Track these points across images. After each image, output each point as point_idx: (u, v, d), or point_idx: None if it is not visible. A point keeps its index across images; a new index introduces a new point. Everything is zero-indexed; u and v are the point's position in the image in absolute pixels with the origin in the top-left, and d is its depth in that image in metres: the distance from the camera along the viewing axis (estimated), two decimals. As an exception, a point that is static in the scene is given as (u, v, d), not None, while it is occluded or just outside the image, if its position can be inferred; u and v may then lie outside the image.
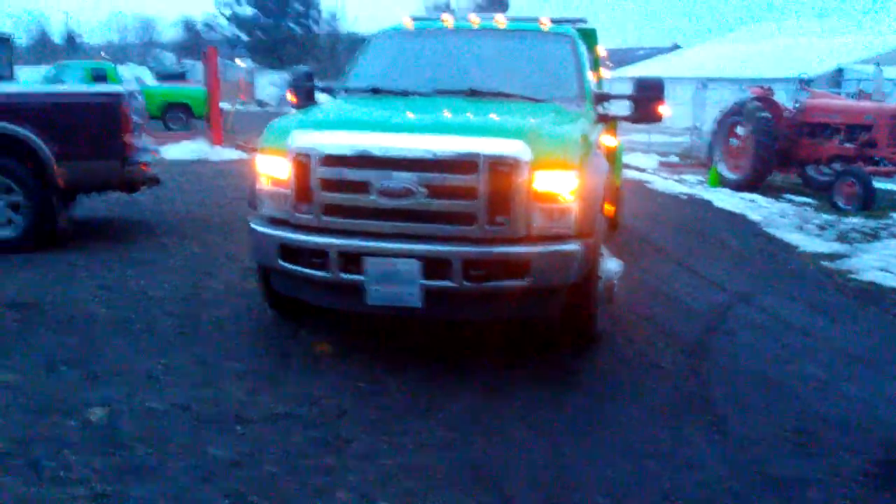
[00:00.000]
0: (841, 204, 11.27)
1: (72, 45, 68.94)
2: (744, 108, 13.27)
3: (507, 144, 4.00)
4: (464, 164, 3.96)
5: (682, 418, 3.87)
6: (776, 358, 4.80)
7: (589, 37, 6.72)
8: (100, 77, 21.96)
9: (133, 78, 24.36)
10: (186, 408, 3.77)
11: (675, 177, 14.67)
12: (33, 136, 6.60)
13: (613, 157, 6.91)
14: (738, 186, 12.96)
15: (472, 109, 4.75)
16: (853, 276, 7.03)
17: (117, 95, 6.93)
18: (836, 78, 24.33)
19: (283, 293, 4.68)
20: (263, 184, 4.41)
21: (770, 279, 6.88)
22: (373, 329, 4.99)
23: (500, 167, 3.95)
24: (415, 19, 6.19)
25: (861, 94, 15.05)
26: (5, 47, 15.60)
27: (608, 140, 6.52)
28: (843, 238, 8.95)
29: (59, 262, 6.48)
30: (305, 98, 5.71)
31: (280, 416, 3.71)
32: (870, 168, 11.83)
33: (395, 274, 4.00)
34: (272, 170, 4.34)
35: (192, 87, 23.32)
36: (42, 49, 73.71)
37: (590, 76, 5.59)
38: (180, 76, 38.72)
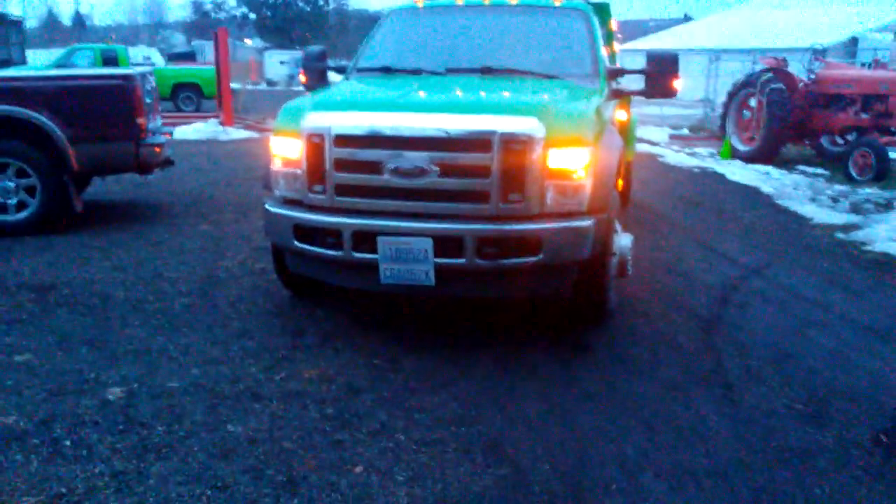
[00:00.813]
0: (855, 175, 11.19)
1: (81, 27, 68.87)
2: (757, 80, 13.14)
3: (520, 122, 3.99)
4: (477, 142, 3.96)
5: (695, 391, 3.89)
6: (789, 330, 4.80)
7: (602, 11, 6.67)
8: (110, 60, 22.01)
9: (141, 59, 24.40)
10: (203, 386, 3.82)
11: (687, 150, 14.59)
12: (47, 120, 6.65)
13: (626, 131, 6.88)
14: (750, 159, 12.87)
15: (484, 87, 4.74)
16: (866, 247, 6.99)
17: (130, 78, 6.95)
18: (851, 47, 24.04)
19: (297, 273, 4.72)
20: (278, 165, 4.43)
21: (783, 251, 6.86)
22: (387, 307, 5.03)
23: (514, 145, 3.95)
24: None
25: (877, 64, 14.88)
26: (17, 31, 15.68)
27: (622, 115, 6.49)
28: (856, 209, 8.90)
29: (74, 244, 6.55)
30: (318, 78, 5.71)
31: (296, 393, 3.76)
32: (885, 139, 11.72)
33: (408, 253, 4.02)
34: (286, 151, 4.36)
35: (202, 68, 23.32)
36: (51, 32, 73.79)
37: (603, 51, 5.55)
38: (190, 56, 38.72)
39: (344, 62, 6.02)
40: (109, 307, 4.98)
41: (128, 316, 4.83)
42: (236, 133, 15.69)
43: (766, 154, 12.85)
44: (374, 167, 4.07)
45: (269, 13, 63.70)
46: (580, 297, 4.59)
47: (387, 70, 5.29)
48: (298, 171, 4.29)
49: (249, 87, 28.83)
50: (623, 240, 4.79)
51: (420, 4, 6.02)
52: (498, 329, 4.71)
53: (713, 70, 19.21)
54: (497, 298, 4.91)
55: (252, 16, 65.90)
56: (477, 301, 5.00)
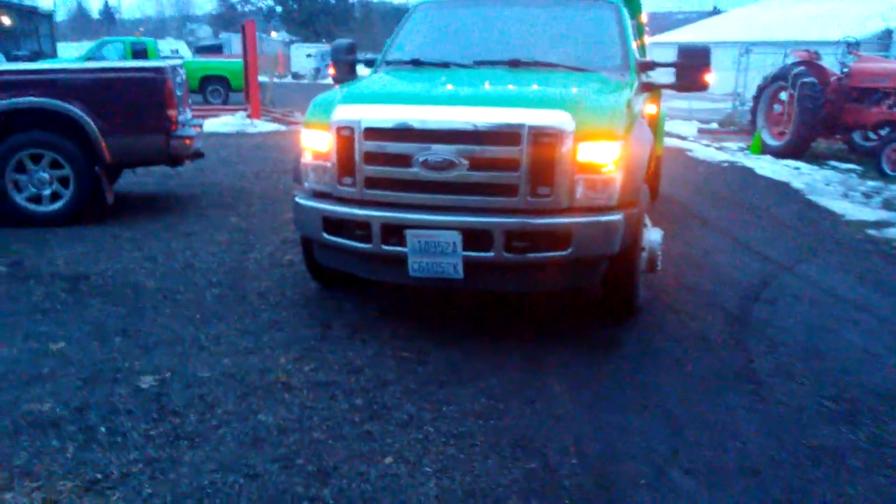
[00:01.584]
0: (888, 170, 11.01)
1: (110, 20, 69.61)
2: (788, 73, 12.96)
3: (550, 115, 3.98)
4: (506, 135, 3.96)
5: (725, 387, 3.86)
6: (820, 327, 4.75)
7: (632, 3, 6.61)
8: (139, 52, 22.23)
9: (170, 52, 24.61)
10: (234, 376, 3.86)
11: (716, 144, 14.44)
12: (80, 112, 6.74)
13: (656, 125, 6.83)
14: (781, 154, 12.71)
15: (513, 80, 4.73)
16: (900, 244, 6.89)
17: (161, 70, 7.02)
18: (885, 40, 23.62)
19: (326, 265, 4.75)
20: (307, 158, 4.46)
21: (814, 248, 6.78)
22: (415, 300, 5.05)
23: (544, 138, 3.94)
24: None
25: (911, 57, 14.62)
26: (47, 24, 15.87)
27: (651, 108, 6.44)
28: (889, 205, 8.76)
29: (106, 235, 6.64)
30: (347, 71, 5.73)
31: (325, 384, 3.79)
32: (919, 134, 11.52)
33: (436, 246, 4.03)
34: (316, 144, 4.38)
35: (230, 60, 23.47)
36: (80, 25, 74.67)
37: (633, 44, 5.51)
38: (217, 49, 38.98)
39: (371, 55, 6.03)
40: (141, 297, 5.05)
41: (159, 306, 4.89)
42: (264, 126, 15.78)
43: (796, 149, 12.69)
44: (404, 160, 4.08)
45: (294, 6, 63.93)
46: (609, 292, 4.57)
47: (415, 63, 5.29)
48: (328, 164, 4.31)
49: (276, 80, 28.95)
50: (653, 235, 4.77)
51: None
52: (526, 323, 4.71)
53: (743, 63, 18.96)
54: (525, 292, 4.90)
55: (278, 9, 66.18)
56: (505, 295, 5.00)
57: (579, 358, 4.17)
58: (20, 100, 6.71)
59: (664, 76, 5.60)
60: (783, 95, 13.22)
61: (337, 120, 4.23)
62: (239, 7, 70.18)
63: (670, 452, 3.23)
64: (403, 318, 4.72)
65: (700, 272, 5.83)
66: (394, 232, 4.12)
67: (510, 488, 2.94)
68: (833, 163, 12.33)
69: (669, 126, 14.66)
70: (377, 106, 4.28)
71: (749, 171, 11.20)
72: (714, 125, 18.09)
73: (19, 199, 6.88)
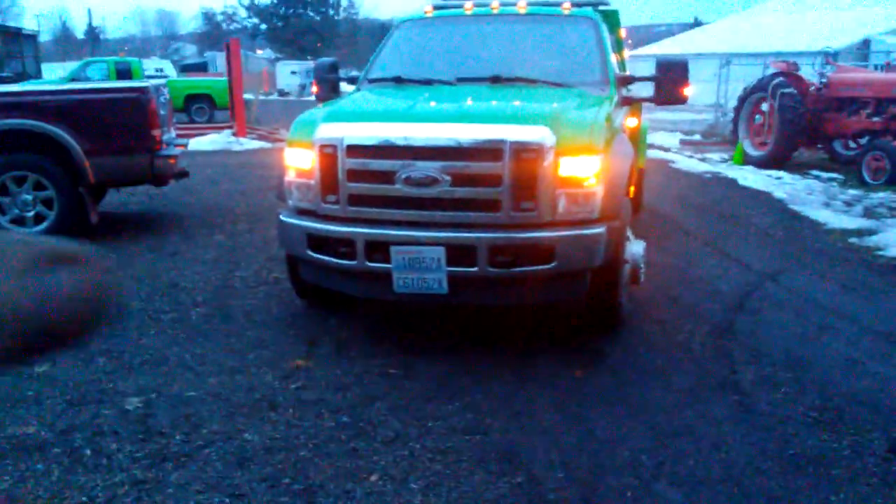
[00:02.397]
0: (868, 179, 11.13)
1: (94, 40, 69.54)
2: (768, 84, 13.10)
3: (531, 131, 4.02)
4: (488, 151, 3.99)
5: (710, 398, 3.89)
6: (803, 337, 4.79)
7: (611, 18, 6.69)
8: (124, 72, 22.22)
9: (154, 71, 24.60)
10: (220, 395, 3.86)
11: (699, 155, 14.55)
12: (64, 134, 6.74)
13: (637, 138, 6.89)
14: (763, 164, 12.83)
15: (495, 96, 4.77)
16: (881, 252, 6.96)
17: (144, 91, 7.03)
18: (863, 50, 23.93)
19: (312, 282, 4.75)
20: (291, 176, 4.47)
21: (797, 257, 6.84)
22: (400, 316, 5.06)
23: (525, 153, 3.97)
24: (436, 7, 6.20)
25: (889, 67, 14.80)
26: (32, 44, 15.83)
27: (632, 122, 6.51)
28: (870, 213, 8.86)
29: (91, 256, 6.60)
30: (330, 89, 5.77)
31: (311, 402, 3.79)
32: (898, 142, 11.65)
33: (420, 262, 4.05)
34: (299, 162, 4.40)
35: (214, 79, 23.50)
36: (65, 45, 74.49)
37: (613, 59, 5.58)
38: (202, 68, 38.97)
39: (354, 72, 6.07)
40: (126, 318, 5.03)
41: (144, 326, 4.88)
42: (249, 143, 15.78)
43: (778, 159, 12.81)
44: (387, 177, 4.10)
45: (279, 23, 64.05)
46: (593, 304, 4.60)
47: (398, 80, 5.33)
48: (311, 182, 4.33)
49: (261, 97, 28.96)
50: (635, 247, 4.80)
51: (430, 14, 6.07)
52: (511, 337, 4.72)
53: (724, 75, 19.14)
54: (510, 307, 4.93)
55: (263, 26, 66.27)
56: (490, 309, 5.02)
57: (564, 371, 4.19)
58: (3, 122, 6.69)
59: (645, 89, 5.66)
60: (764, 106, 13.36)
61: (320, 138, 4.26)
62: (224, 25, 70.24)
63: (655, 464, 3.25)
64: (389, 335, 4.72)
65: (683, 283, 5.87)
66: (378, 248, 4.13)
67: (497, 503, 2.95)
68: (815, 172, 12.46)
69: (652, 138, 14.76)
70: (360, 124, 4.31)
71: (732, 182, 11.29)
72: (697, 136, 18.23)
73: (2, 221, 6.86)
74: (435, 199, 4.06)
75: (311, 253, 4.38)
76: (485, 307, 4.91)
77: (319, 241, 4.33)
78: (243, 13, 66.86)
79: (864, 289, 5.88)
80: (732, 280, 6.02)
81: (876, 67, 15.69)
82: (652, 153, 12.63)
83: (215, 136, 16.00)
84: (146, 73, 24.08)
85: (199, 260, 6.51)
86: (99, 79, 21.32)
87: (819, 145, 13.46)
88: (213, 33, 70.19)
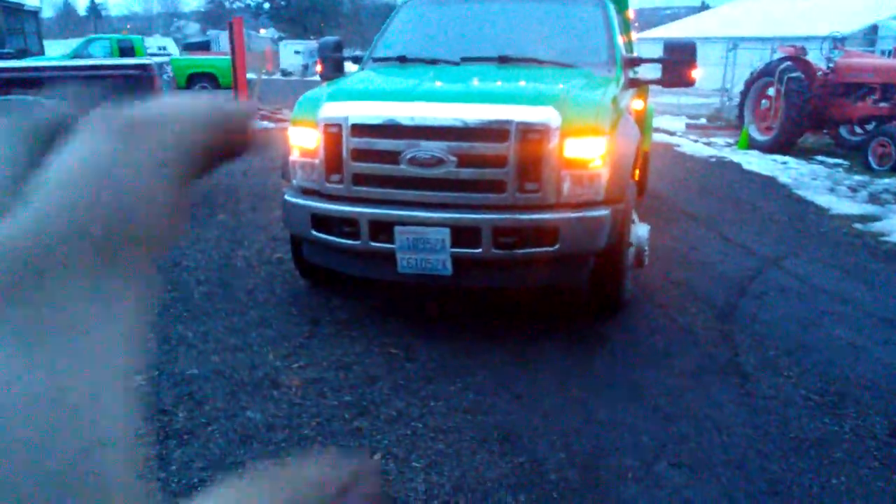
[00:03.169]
0: (874, 164, 11.08)
1: (97, 17, 69.22)
2: (775, 69, 13.02)
3: (537, 112, 4.00)
4: (494, 131, 3.97)
5: (712, 381, 3.89)
6: (806, 321, 4.79)
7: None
8: (126, 50, 22.14)
9: (157, 49, 24.50)
10: (223, 373, 3.87)
11: (705, 139, 14.50)
12: (66, 110, 6.71)
13: (643, 121, 6.86)
14: (768, 148, 12.78)
15: (501, 77, 4.74)
16: (885, 237, 6.95)
17: (147, 68, 7.01)
18: (871, 35, 23.77)
19: (315, 262, 4.75)
20: (295, 155, 4.46)
21: (801, 242, 6.83)
22: (403, 297, 5.06)
23: (531, 134, 3.95)
24: None
25: (896, 52, 14.72)
26: (34, 21, 15.76)
27: (638, 104, 6.47)
28: (875, 199, 8.83)
29: (94, 234, 6.61)
30: (334, 68, 5.73)
31: (313, 380, 3.80)
32: (904, 128, 11.60)
33: (424, 242, 4.04)
34: (303, 141, 4.38)
35: (217, 58, 23.38)
36: (67, 22, 74.20)
37: (620, 40, 5.53)
38: (205, 46, 38.82)
39: (359, 52, 6.03)
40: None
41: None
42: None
43: (784, 144, 12.75)
44: (391, 157, 4.09)
45: (283, 2, 63.73)
46: (596, 287, 4.60)
47: (403, 59, 5.30)
48: (316, 161, 4.31)
49: (264, 77, 28.89)
50: (640, 230, 4.79)
51: None
52: (514, 318, 4.73)
53: (731, 59, 19.03)
54: (513, 288, 4.92)
55: (266, 5, 65.95)
56: (493, 290, 5.02)
57: (567, 353, 4.19)
58: (4, 98, 6.67)
59: (652, 72, 5.62)
60: (770, 91, 13.28)
61: (324, 117, 4.23)
62: (227, 4, 69.90)
63: (657, 446, 3.26)
64: (392, 315, 4.73)
65: (687, 267, 5.87)
66: (382, 229, 4.13)
67: (498, 483, 2.96)
68: (820, 157, 12.41)
69: (658, 121, 14.71)
70: (364, 103, 4.28)
71: (736, 166, 11.26)
72: (702, 120, 18.15)
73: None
74: (440, 179, 4.04)
75: (314, 233, 4.37)
76: (488, 289, 4.91)
77: (323, 221, 4.32)
78: (247, -9, 66.54)
79: (868, 274, 5.87)
80: (736, 264, 6.01)
81: (884, 53, 15.60)
82: (657, 137, 12.59)
83: (218, 115, 15.94)
84: (149, 51, 23.97)
85: (201, 239, 6.51)
86: (102, 56, 21.23)
87: (825, 130, 13.40)
88: (217, 12, 69.85)
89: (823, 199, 8.76)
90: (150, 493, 0.22)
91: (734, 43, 19.27)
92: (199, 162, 0.25)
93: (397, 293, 5.09)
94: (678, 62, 5.15)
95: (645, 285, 5.25)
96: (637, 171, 5.07)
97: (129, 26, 61.22)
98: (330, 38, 5.96)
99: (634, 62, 5.54)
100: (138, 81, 6.94)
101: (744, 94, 14.13)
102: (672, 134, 15.14)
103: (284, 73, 44.67)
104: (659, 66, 5.28)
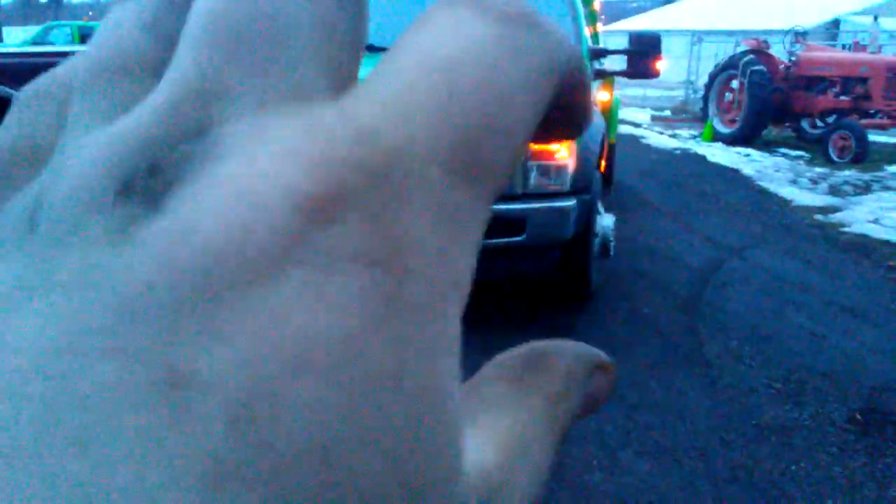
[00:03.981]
0: (834, 157, 11.27)
1: (57, 4, 67.83)
2: (738, 62, 13.18)
3: None
4: None
5: (675, 370, 3.94)
6: (768, 311, 4.86)
7: None
8: (88, 37, 21.69)
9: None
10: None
11: (670, 132, 14.64)
12: (24, 98, 6.55)
13: (609, 113, 6.90)
14: (732, 141, 12.93)
15: None
16: (845, 228, 7.08)
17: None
18: (833, 30, 24.17)
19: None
20: None
21: (764, 233, 6.93)
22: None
23: None
24: None
25: (857, 46, 14.98)
26: (-9, 7, 15.37)
27: (604, 96, 6.50)
28: (835, 191, 8.99)
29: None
30: None
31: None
32: (865, 121, 11.81)
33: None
34: None
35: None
36: (27, 8, 72.66)
37: (586, 31, 5.55)
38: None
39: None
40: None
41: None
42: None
43: (747, 136, 12.92)
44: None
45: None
46: (563, 277, 4.62)
47: (370, 48, 5.25)
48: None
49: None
50: (605, 220, 4.82)
51: None
52: (477, 309, 4.72)
53: (696, 52, 19.24)
54: (478, 280, 4.91)
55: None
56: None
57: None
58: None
59: (617, 64, 5.65)
60: (734, 84, 13.44)
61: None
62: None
63: (622, 434, 3.29)
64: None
65: (652, 258, 5.92)
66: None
67: (464, 473, 2.96)
68: (783, 150, 12.60)
69: (623, 113, 14.81)
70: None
71: (701, 158, 11.38)
72: (667, 112, 18.33)
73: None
74: (405, 170, 4.02)
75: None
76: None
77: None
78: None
79: (828, 264, 5.98)
80: (700, 255, 6.08)
81: (844, 47, 15.86)
82: (623, 129, 12.68)
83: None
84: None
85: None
86: (62, 44, 20.79)
87: (787, 123, 13.60)
88: None
89: (786, 191, 8.89)
90: None
91: (699, 36, 19.47)
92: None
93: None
94: (643, 54, 5.18)
95: (610, 276, 5.29)
96: (603, 163, 5.10)
97: (90, 13, 60.02)
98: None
99: (600, 53, 5.56)
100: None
101: (708, 86, 14.28)
102: (638, 126, 15.26)
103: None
104: (624, 57, 5.31)
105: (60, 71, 0.20)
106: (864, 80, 12.13)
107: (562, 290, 4.75)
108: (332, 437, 0.12)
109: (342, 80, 0.16)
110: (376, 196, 0.14)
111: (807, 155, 12.04)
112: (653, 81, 5.96)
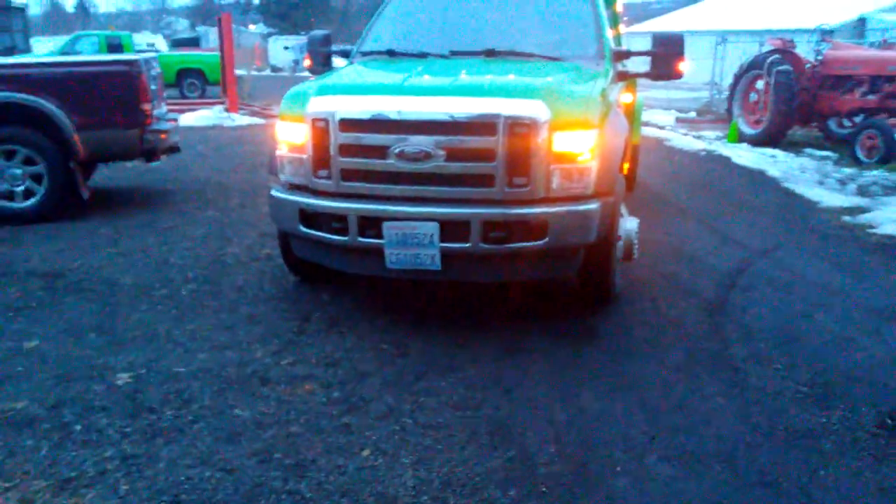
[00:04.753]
0: (862, 157, 11.11)
1: (85, 14, 68.74)
2: (763, 62, 13.04)
3: (525, 105, 3.98)
4: (482, 125, 3.95)
5: (701, 374, 3.89)
6: (795, 313, 4.79)
7: None
8: (115, 46, 21.99)
9: (146, 45, 24.35)
10: (210, 371, 3.84)
11: (694, 133, 14.52)
12: (53, 107, 6.66)
13: (632, 114, 6.86)
14: (757, 142, 12.80)
15: (489, 70, 4.72)
16: (873, 230, 6.97)
17: (135, 64, 6.94)
18: (860, 28, 23.85)
19: (304, 258, 4.72)
20: (283, 150, 4.43)
21: (790, 235, 6.84)
22: (392, 292, 5.04)
23: (519, 128, 3.94)
24: None
25: (885, 44, 14.74)
26: (21, 18, 15.68)
27: (627, 98, 6.46)
28: (863, 192, 8.85)
29: (81, 231, 6.57)
30: (323, 63, 5.69)
31: (302, 377, 3.78)
32: (892, 120, 11.62)
33: (413, 237, 4.02)
34: (291, 136, 4.36)
35: (206, 54, 23.27)
36: (55, 19, 73.71)
37: (609, 33, 5.52)
38: (194, 42, 38.64)
39: (348, 46, 5.99)
40: (117, 293, 5.01)
41: (135, 302, 4.85)
42: (241, 119, 15.67)
43: (772, 137, 12.78)
44: (379, 151, 4.06)
45: (272, -2, 63.33)
46: (586, 281, 4.59)
47: (391, 53, 5.27)
48: (303, 157, 4.29)
49: (254, 73, 28.73)
50: (629, 223, 4.79)
51: None
52: (504, 313, 4.71)
53: (720, 52, 19.04)
54: (503, 282, 4.91)
55: (256, 1, 65.60)
56: (483, 285, 5.01)
57: (556, 347, 4.19)
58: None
59: (641, 65, 5.60)
60: (759, 84, 13.30)
61: (312, 112, 4.21)
62: (216, 0, 69.48)
63: (647, 439, 3.25)
64: (381, 310, 4.71)
65: (676, 260, 5.87)
66: (371, 224, 4.11)
67: (488, 477, 2.95)
68: (809, 150, 12.44)
69: (648, 115, 14.73)
70: (352, 97, 4.25)
71: (726, 160, 11.27)
72: (692, 114, 18.19)
73: (-8, 195, 6.79)
74: (428, 173, 4.02)
75: (303, 228, 4.35)
76: (477, 283, 4.90)
77: (312, 217, 4.30)
78: (236, -13, 66.20)
79: (857, 266, 5.89)
80: (725, 257, 6.01)
81: (871, 45, 15.61)
82: (647, 131, 12.60)
83: (207, 111, 15.88)
84: (138, 47, 23.81)
85: (190, 236, 6.47)
86: (90, 53, 21.09)
87: (814, 123, 13.43)
88: (206, 8, 69.46)
89: (812, 192, 8.78)
90: None
91: (723, 36, 19.28)
92: None
93: (387, 288, 5.07)
94: (666, 55, 5.14)
95: (634, 279, 5.25)
96: (626, 165, 5.07)
97: (117, 23, 60.85)
98: (318, 32, 5.92)
99: (623, 55, 5.53)
100: (124, 78, 6.87)
101: (733, 87, 14.15)
102: (662, 128, 15.15)
103: (274, 69, 44.48)
104: (648, 59, 5.27)
105: None
106: (892, 79, 11.94)
107: (585, 294, 4.72)
108: None
109: None
110: None
111: (834, 155, 11.88)
112: (677, 83, 5.91)
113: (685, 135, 14.16)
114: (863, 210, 7.76)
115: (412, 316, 4.62)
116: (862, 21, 24.54)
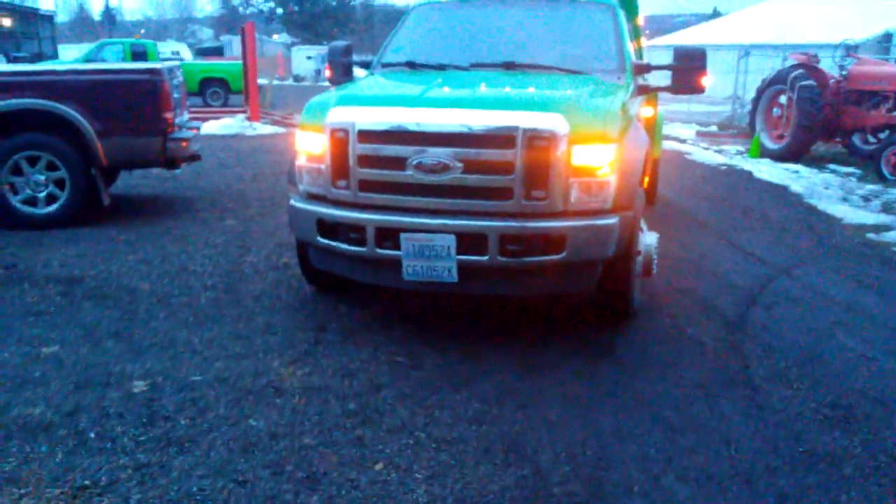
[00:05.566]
0: (887, 174, 10.98)
1: (111, 22, 69.67)
2: (787, 76, 12.94)
3: (544, 118, 3.96)
4: (500, 138, 3.94)
5: (720, 393, 3.84)
6: (817, 332, 4.72)
7: (629, 6, 6.59)
8: (139, 54, 22.24)
9: (170, 54, 24.61)
10: (226, 380, 3.84)
11: (715, 147, 14.42)
12: (76, 114, 6.72)
13: (653, 128, 6.81)
14: (780, 157, 12.69)
15: (508, 83, 4.71)
16: (899, 248, 6.87)
17: (157, 72, 7.00)
18: (885, 43, 23.64)
19: (321, 268, 4.72)
20: (302, 160, 4.44)
21: (812, 252, 6.76)
22: (409, 304, 5.02)
23: (538, 141, 3.92)
24: None
25: (910, 61, 14.59)
26: (49, 25, 15.94)
27: (647, 111, 6.42)
28: (888, 209, 8.74)
29: (101, 238, 6.62)
30: (343, 73, 5.71)
31: (318, 388, 3.77)
32: (918, 137, 11.48)
33: (431, 249, 4.01)
34: (310, 146, 4.37)
35: (230, 63, 23.48)
36: (81, 26, 74.73)
37: (630, 46, 5.49)
38: (217, 51, 39.03)
39: (369, 57, 6.00)
40: (135, 300, 5.03)
41: (153, 309, 4.87)
42: (263, 128, 15.78)
43: (795, 152, 12.67)
44: (398, 163, 4.06)
45: (296, 8, 63.89)
46: (604, 296, 4.55)
47: (411, 65, 5.27)
48: (322, 167, 4.29)
49: (276, 82, 28.93)
50: (648, 238, 4.75)
51: None
52: (520, 327, 4.68)
53: (742, 66, 18.93)
54: (520, 296, 4.88)
55: (279, 11, 66.19)
56: (500, 299, 4.98)
57: (573, 362, 4.15)
58: (16, 101, 6.69)
59: (662, 79, 5.57)
60: (782, 98, 13.21)
61: (331, 122, 4.21)
62: (241, 9, 70.15)
63: (664, 459, 3.21)
64: (398, 322, 4.69)
65: (696, 276, 5.81)
66: (388, 235, 4.10)
67: (501, 495, 2.92)
68: (832, 166, 12.32)
69: (668, 129, 14.65)
70: (372, 108, 4.26)
71: (747, 175, 11.18)
72: (713, 128, 18.09)
73: (15, 201, 6.86)
74: (446, 185, 4.01)
75: (320, 239, 4.35)
76: (494, 296, 4.87)
77: (329, 227, 4.30)
78: (260, -3, 66.83)
79: (881, 285, 5.80)
80: (746, 274, 5.94)
81: (897, 61, 15.47)
82: (668, 144, 12.53)
83: (229, 120, 16.01)
84: (162, 55, 24.08)
85: (209, 244, 6.50)
86: (114, 60, 21.35)
87: (837, 139, 13.30)
88: (230, 17, 70.12)
89: (836, 209, 8.67)
90: None
91: (746, 50, 19.17)
92: None
93: (404, 300, 5.06)
94: (688, 69, 5.10)
95: (653, 294, 5.20)
96: (646, 179, 5.02)
97: (142, 31, 61.58)
98: (339, 43, 5.93)
99: (644, 68, 5.49)
100: (147, 86, 6.93)
101: (755, 101, 14.05)
102: (683, 141, 15.07)
103: (297, 78, 44.82)
104: (669, 73, 5.23)
105: None
106: (918, 95, 11.80)
107: (603, 309, 4.67)
108: None
109: None
110: None
111: (858, 171, 11.75)
112: (698, 97, 5.86)
113: (706, 149, 14.07)
114: (887, 228, 7.65)
115: (428, 328, 4.60)
116: (887, 37, 24.33)
